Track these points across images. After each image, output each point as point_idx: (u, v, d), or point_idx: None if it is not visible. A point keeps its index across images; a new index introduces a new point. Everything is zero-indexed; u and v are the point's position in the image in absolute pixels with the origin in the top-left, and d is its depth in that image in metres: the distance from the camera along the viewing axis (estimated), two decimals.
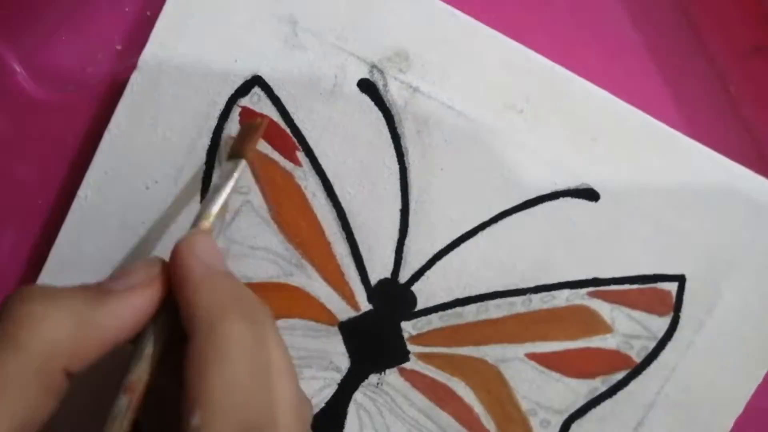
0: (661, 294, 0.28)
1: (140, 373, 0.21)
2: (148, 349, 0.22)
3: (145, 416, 0.22)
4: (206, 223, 0.24)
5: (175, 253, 0.22)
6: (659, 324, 0.28)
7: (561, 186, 0.28)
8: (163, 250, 0.29)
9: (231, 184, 0.26)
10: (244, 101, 0.28)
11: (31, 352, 0.19)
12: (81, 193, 0.29)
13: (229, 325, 0.21)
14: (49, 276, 0.29)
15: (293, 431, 0.20)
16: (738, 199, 0.27)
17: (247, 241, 0.29)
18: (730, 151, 0.28)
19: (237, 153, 0.27)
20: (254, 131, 0.27)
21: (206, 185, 0.29)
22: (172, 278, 0.22)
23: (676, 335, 0.28)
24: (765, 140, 0.29)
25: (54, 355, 0.20)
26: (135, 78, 0.28)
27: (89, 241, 0.29)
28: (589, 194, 0.28)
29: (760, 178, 0.27)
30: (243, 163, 0.26)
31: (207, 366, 0.20)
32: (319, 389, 0.29)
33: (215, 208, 0.25)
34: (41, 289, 0.21)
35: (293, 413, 0.21)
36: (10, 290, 0.30)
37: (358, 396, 0.29)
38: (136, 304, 0.21)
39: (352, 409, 0.29)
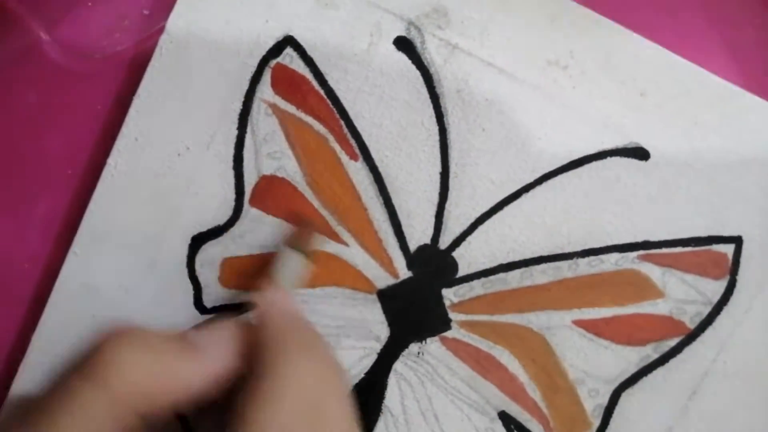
0: (716, 257, 0.27)
1: None
2: None
3: None
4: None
5: (256, 303, 0.24)
6: (714, 288, 0.27)
7: (609, 145, 0.27)
8: (195, 218, 0.28)
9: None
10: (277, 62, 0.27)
11: (117, 396, 0.20)
12: (111, 161, 0.28)
13: (293, 367, 0.21)
14: (81, 246, 0.28)
15: None
16: None
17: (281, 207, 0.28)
18: None
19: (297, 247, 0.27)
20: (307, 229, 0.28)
21: (239, 151, 0.28)
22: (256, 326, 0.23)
23: (733, 300, 0.27)
24: None
25: (136, 399, 0.20)
26: (163, 42, 0.27)
27: (120, 209, 0.28)
28: (639, 153, 0.26)
29: None
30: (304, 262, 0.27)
31: (256, 401, 0.20)
32: (359, 359, 0.28)
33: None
34: (133, 332, 0.21)
35: None
36: (42, 260, 0.30)
37: (398, 366, 0.28)
38: (216, 363, 0.22)
39: (392, 379, 0.28)
